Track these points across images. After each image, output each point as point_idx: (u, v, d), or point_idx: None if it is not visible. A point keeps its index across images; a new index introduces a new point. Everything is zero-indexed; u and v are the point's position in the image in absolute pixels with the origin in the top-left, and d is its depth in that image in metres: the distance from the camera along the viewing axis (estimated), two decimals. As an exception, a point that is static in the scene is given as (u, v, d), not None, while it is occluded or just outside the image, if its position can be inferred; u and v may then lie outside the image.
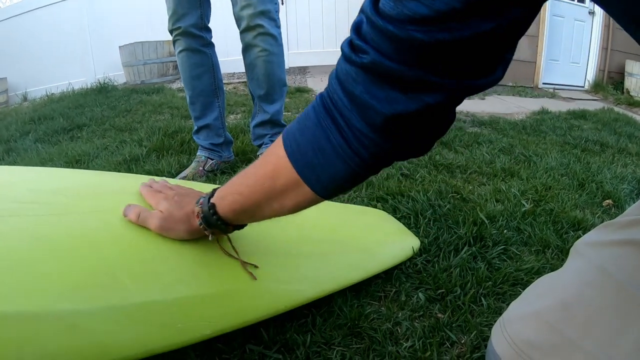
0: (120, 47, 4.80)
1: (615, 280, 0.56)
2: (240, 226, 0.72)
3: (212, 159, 1.64)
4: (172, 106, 3.13)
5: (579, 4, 5.38)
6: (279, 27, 1.56)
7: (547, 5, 4.96)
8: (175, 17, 1.52)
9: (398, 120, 0.49)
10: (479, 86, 0.48)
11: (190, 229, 0.71)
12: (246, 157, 1.77)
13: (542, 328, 0.59)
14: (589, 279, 0.59)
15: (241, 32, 1.55)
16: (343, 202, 1.25)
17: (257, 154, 1.69)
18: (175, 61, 4.74)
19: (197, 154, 1.67)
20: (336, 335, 0.73)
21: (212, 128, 1.65)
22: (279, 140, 0.60)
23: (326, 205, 1.10)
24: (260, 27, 1.49)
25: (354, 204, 1.24)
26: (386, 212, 1.17)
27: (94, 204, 0.85)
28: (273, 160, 0.60)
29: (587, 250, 0.63)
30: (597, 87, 5.19)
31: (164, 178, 0.88)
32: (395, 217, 1.14)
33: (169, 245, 0.73)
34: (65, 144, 2.27)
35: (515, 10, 0.42)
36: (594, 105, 3.91)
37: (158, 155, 1.85)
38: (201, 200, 0.70)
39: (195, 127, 1.68)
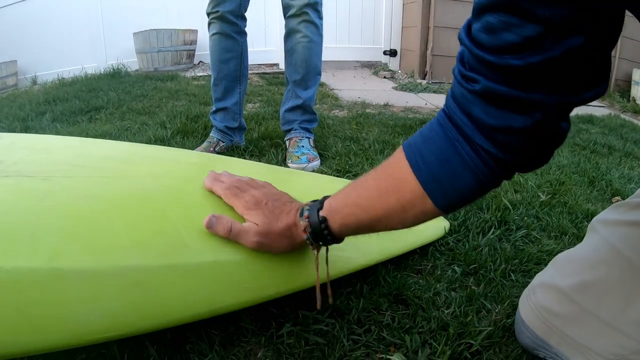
0: (134, 33, 4.83)
1: (625, 257, 0.63)
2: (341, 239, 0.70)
3: (223, 142, 1.73)
4: (188, 93, 3.16)
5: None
6: (321, 18, 1.65)
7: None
8: (216, 1, 1.60)
9: (514, 133, 0.52)
10: (582, 100, 0.51)
11: (293, 244, 0.69)
12: (273, 142, 1.83)
13: (563, 300, 0.67)
14: (603, 256, 0.66)
15: (286, 18, 1.64)
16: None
17: (285, 139, 1.76)
18: (189, 50, 4.79)
19: (210, 134, 1.77)
20: (383, 302, 0.81)
21: (230, 112, 1.73)
22: (400, 153, 0.60)
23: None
24: (306, 14, 1.58)
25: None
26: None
27: (146, 169, 0.88)
28: (396, 174, 0.59)
29: (601, 228, 0.70)
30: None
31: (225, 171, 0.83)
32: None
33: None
34: (84, 124, 2.31)
35: (598, 25, 0.45)
36: (600, 111, 3.98)
37: (183, 137, 1.92)
38: (307, 213, 0.67)
39: (214, 108, 1.76)
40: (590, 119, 3.20)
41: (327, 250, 0.70)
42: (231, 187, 0.74)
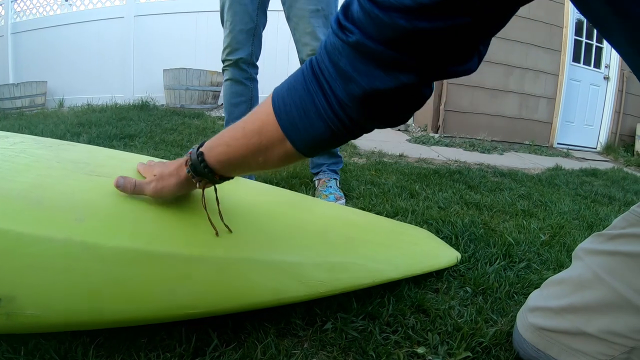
0: (165, 70, 5.14)
1: (606, 283, 0.74)
2: (227, 178, 0.77)
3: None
4: (215, 131, 3.27)
5: (594, 69, 5.71)
6: None
7: (565, 69, 5.29)
8: (229, 50, 1.81)
9: (375, 94, 0.55)
10: (451, 72, 0.55)
11: (180, 180, 0.75)
12: (302, 181, 2.03)
13: (555, 317, 0.80)
14: (587, 282, 0.77)
15: None
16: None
17: (314, 179, 1.94)
18: (215, 91, 5.07)
19: None
20: (407, 310, 0.98)
21: None
22: (269, 98, 0.65)
23: (387, 220, 1.37)
24: None
25: (404, 224, 1.50)
26: (431, 232, 1.43)
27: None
28: (261, 117, 0.64)
29: (585, 257, 0.81)
30: (608, 149, 5.46)
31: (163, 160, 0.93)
32: (439, 237, 1.40)
33: (302, 216, 1.00)
34: (120, 150, 2.39)
35: (489, 7, 0.49)
36: (604, 165, 4.17)
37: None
38: (190, 151, 0.74)
39: None
40: (594, 173, 3.37)
41: (215, 189, 0.79)
42: (148, 166, 0.85)
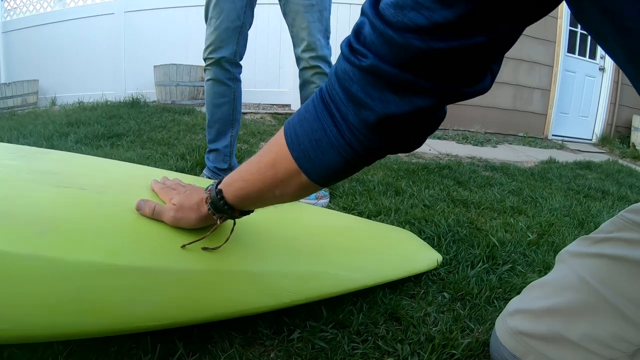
0: (155, 66, 5.06)
1: (589, 285, 0.72)
2: (247, 212, 0.77)
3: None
4: (204, 128, 3.29)
5: (590, 60, 5.66)
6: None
7: (560, 60, 5.24)
8: (212, 48, 1.74)
9: (390, 119, 0.53)
10: (467, 93, 0.54)
11: (200, 216, 0.76)
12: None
13: (534, 320, 0.76)
14: (570, 284, 0.75)
15: (301, 70, 1.76)
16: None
17: None
18: (206, 86, 4.99)
19: (203, 172, 1.91)
20: (380, 318, 0.93)
21: (220, 154, 1.87)
22: (281, 131, 0.64)
23: (367, 222, 1.33)
24: (318, 67, 1.71)
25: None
26: (413, 233, 1.39)
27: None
28: (275, 150, 0.64)
29: (569, 259, 0.79)
30: (604, 141, 5.41)
31: (177, 177, 0.95)
32: (421, 238, 1.36)
33: (272, 222, 0.95)
34: (107, 149, 2.43)
35: (503, 26, 0.48)
36: (599, 157, 4.12)
37: (201, 169, 2.05)
38: (209, 187, 0.76)
39: (208, 149, 1.90)
40: (588, 165, 3.32)
41: (234, 223, 0.80)
42: (165, 187, 0.86)
